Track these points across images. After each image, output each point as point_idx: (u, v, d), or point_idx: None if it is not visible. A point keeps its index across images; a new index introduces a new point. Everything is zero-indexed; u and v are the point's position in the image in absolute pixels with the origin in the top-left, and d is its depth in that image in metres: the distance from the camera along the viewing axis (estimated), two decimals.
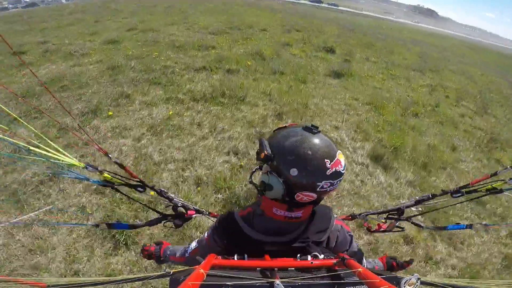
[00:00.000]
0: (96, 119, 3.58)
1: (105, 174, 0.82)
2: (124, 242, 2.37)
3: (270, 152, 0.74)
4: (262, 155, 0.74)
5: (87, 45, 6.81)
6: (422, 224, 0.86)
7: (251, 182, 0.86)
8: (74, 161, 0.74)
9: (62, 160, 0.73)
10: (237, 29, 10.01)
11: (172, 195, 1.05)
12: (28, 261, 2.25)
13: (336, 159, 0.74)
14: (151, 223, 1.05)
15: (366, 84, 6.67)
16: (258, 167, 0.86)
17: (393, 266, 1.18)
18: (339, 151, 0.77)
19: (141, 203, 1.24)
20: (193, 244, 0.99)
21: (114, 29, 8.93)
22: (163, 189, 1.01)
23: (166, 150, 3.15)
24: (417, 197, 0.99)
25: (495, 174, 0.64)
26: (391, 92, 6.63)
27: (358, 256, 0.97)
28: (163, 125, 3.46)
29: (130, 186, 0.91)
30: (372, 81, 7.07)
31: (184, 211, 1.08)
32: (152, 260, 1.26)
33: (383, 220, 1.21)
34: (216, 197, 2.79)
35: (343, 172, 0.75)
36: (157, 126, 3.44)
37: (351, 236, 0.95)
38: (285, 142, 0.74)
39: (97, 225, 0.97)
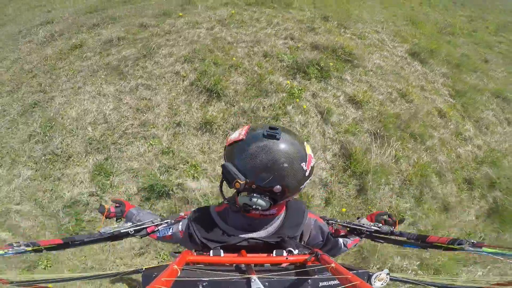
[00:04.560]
0: (169, 19, 4.34)
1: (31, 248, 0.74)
2: (215, 94, 3.23)
3: (244, 179, 0.73)
4: (237, 185, 0.72)
5: None
6: (381, 241, 0.87)
7: (224, 198, 0.86)
8: None
9: None
10: None
11: (125, 226, 0.92)
12: (137, 119, 3.13)
13: (307, 156, 0.76)
14: (112, 240, 0.91)
15: (403, 4, 6.98)
16: (222, 178, 0.80)
17: (381, 223, 1.06)
18: (305, 143, 0.79)
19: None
20: (169, 231, 0.97)
21: None
22: (110, 230, 0.88)
23: (235, 35, 3.91)
24: (378, 226, 0.93)
25: (455, 240, 0.67)
26: (428, 15, 6.90)
27: (332, 243, 0.98)
28: (229, 20, 4.18)
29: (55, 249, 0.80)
30: (409, 3, 7.30)
31: (144, 232, 0.96)
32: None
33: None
34: (281, 64, 3.60)
35: (315, 162, 0.80)
36: (223, 20, 4.17)
37: (326, 229, 0.97)
38: (255, 161, 0.72)
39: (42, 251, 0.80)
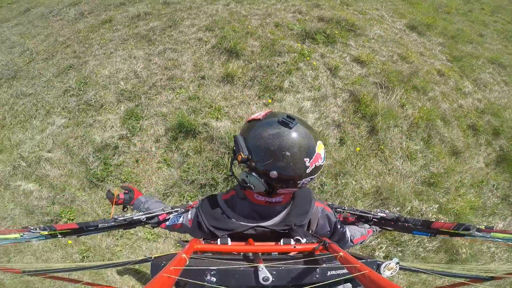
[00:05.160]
0: None
1: (47, 233, 0.76)
2: (235, 54, 3.57)
3: (246, 154, 0.74)
4: (239, 157, 0.74)
5: None
6: (390, 229, 0.92)
7: (232, 175, 0.88)
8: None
9: None
10: None
11: (138, 214, 0.97)
12: (165, 75, 3.50)
13: (315, 154, 0.75)
14: (125, 228, 0.96)
15: None
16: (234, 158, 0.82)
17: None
18: (319, 141, 0.77)
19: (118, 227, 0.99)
20: (179, 220, 0.98)
21: None
22: (124, 216, 0.93)
23: (249, 9, 4.33)
24: (386, 212, 0.98)
25: (460, 225, 0.68)
26: None
27: (340, 233, 0.96)
28: None
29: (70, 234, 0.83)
30: None
31: (155, 220, 1.01)
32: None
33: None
34: (292, 32, 3.96)
35: (322, 164, 0.78)
36: None
37: (334, 218, 0.97)
38: (261, 142, 0.73)
39: (64, 236, 0.84)
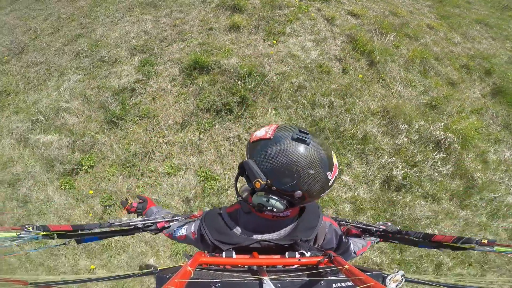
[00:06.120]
0: None
1: (42, 233, 0.77)
2: (238, 10, 3.85)
3: (265, 179, 0.72)
4: (258, 184, 0.72)
5: None
6: (396, 242, 0.94)
7: (239, 196, 0.87)
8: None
9: None
10: None
11: (135, 220, 0.98)
12: (174, 30, 3.74)
13: (334, 165, 0.75)
14: (123, 234, 0.98)
15: None
16: (239, 173, 0.81)
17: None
18: (332, 151, 0.77)
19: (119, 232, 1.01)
20: (182, 231, 0.99)
21: None
22: (120, 221, 0.94)
23: None
24: (387, 224, 1.01)
25: (460, 238, 0.67)
26: None
27: (345, 247, 0.98)
28: None
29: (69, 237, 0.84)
30: None
31: (154, 227, 1.02)
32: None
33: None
34: None
35: (338, 172, 0.80)
36: None
37: (340, 233, 0.97)
38: (280, 164, 0.70)
39: (64, 243, 0.86)
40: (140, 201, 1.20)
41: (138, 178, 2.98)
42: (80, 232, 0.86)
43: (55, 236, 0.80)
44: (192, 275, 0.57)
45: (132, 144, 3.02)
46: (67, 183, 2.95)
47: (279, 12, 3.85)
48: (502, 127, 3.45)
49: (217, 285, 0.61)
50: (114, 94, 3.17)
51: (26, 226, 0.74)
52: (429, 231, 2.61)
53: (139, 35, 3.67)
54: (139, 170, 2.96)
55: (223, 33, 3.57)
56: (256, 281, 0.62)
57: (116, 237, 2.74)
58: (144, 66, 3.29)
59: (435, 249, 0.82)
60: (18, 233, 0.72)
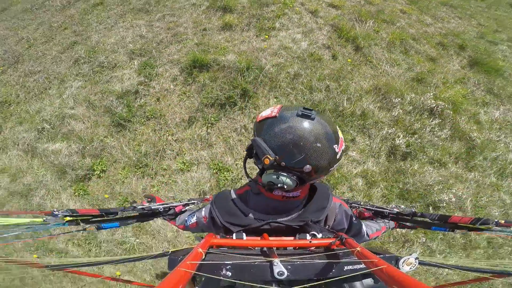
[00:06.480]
0: None
1: (67, 218, 0.80)
2: (228, 10, 4.04)
3: (274, 155, 0.73)
4: (267, 161, 0.73)
5: None
6: (409, 225, 0.94)
7: (248, 177, 0.88)
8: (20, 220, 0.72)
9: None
10: None
11: (157, 205, 1.05)
12: (169, 33, 3.88)
13: (340, 138, 0.76)
14: (143, 219, 1.05)
15: None
16: (247, 155, 0.83)
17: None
18: (337, 126, 0.79)
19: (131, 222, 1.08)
20: (193, 219, 1.02)
21: None
22: (143, 205, 1.01)
23: None
24: (401, 207, 1.00)
25: (478, 219, 0.66)
26: None
27: (356, 228, 0.98)
28: None
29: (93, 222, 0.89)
30: None
31: (172, 211, 1.08)
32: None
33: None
34: None
35: (344, 147, 0.80)
36: None
37: (350, 214, 0.98)
38: (288, 140, 0.72)
39: (84, 229, 0.89)
40: (149, 199, 1.24)
41: (152, 178, 3.07)
42: (105, 216, 0.91)
43: (79, 222, 0.83)
44: (204, 257, 0.58)
45: (142, 145, 3.12)
46: (80, 189, 3.00)
47: (267, 9, 4.08)
48: (486, 92, 3.81)
49: (228, 267, 0.62)
50: (119, 97, 3.26)
51: (55, 210, 0.77)
52: (445, 197, 2.68)
53: (135, 39, 3.78)
54: (152, 169, 3.06)
55: (217, 32, 3.74)
56: (267, 263, 0.62)
57: (137, 240, 2.81)
58: (144, 68, 3.41)
59: (449, 231, 0.81)
60: (44, 219, 0.75)
